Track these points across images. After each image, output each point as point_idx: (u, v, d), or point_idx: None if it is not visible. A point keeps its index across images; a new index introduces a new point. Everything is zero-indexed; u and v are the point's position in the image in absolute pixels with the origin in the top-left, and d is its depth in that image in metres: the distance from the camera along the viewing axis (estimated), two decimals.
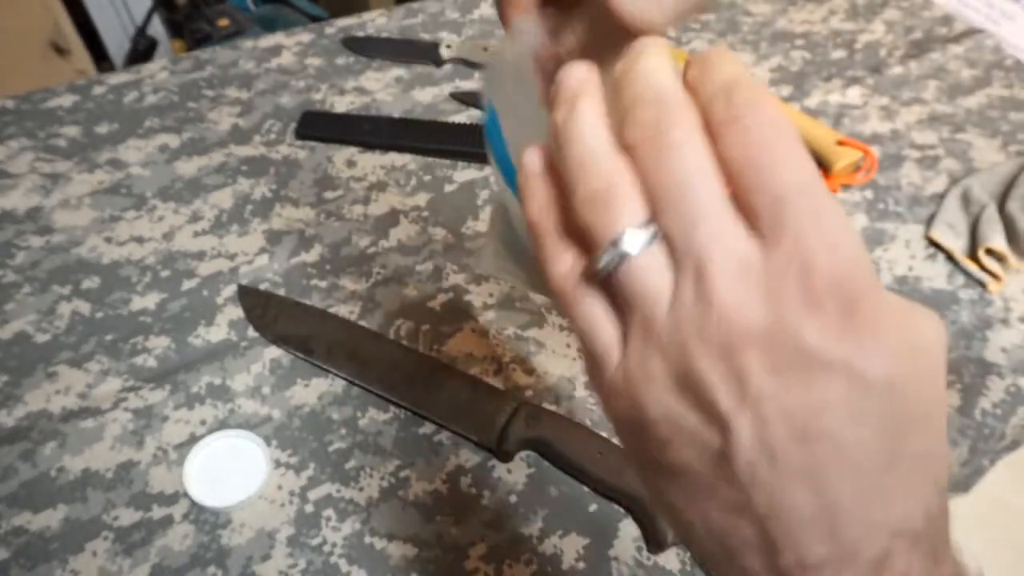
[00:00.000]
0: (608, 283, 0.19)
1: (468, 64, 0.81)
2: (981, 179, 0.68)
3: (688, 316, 0.18)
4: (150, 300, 0.56)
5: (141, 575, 0.42)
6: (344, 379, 0.51)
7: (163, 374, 0.51)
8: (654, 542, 0.45)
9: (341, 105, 0.74)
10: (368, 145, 0.70)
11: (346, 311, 0.56)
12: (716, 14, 0.91)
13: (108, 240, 0.60)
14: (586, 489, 0.47)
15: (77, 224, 0.61)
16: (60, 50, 1.30)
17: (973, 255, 0.62)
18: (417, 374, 0.51)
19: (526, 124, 0.24)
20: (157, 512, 0.45)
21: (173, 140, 0.69)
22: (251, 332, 0.54)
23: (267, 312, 0.55)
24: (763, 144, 0.17)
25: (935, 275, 0.62)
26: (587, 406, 0.51)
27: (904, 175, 0.70)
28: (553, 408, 0.50)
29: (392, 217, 0.64)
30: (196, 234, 0.61)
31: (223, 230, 0.61)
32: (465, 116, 0.74)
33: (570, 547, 0.45)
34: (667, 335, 0.18)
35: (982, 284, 0.61)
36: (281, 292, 0.57)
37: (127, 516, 0.45)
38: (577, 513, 0.46)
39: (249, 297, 0.56)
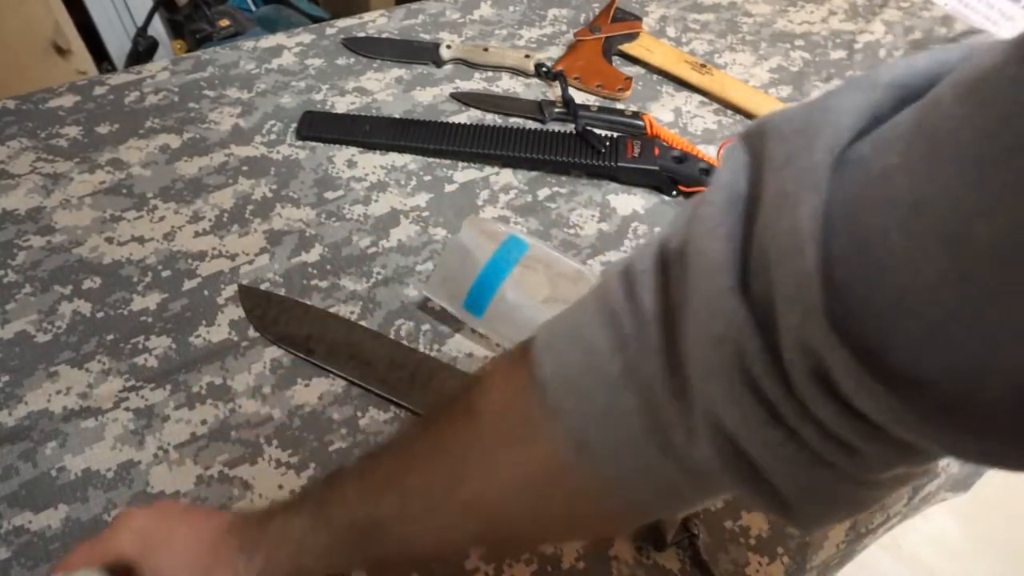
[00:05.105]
0: None
1: (468, 65, 0.81)
2: None
3: None
4: (151, 300, 0.56)
5: None
6: (345, 379, 0.52)
7: (164, 374, 0.51)
8: (654, 542, 0.45)
9: (341, 105, 0.75)
10: (368, 145, 0.70)
11: (346, 311, 0.56)
12: (716, 14, 0.92)
13: (109, 240, 0.60)
14: None
15: (78, 224, 0.61)
16: (61, 50, 1.30)
17: None
18: (417, 374, 0.51)
19: None
20: None
21: (174, 140, 0.69)
22: (252, 332, 0.54)
23: (268, 312, 0.55)
24: None
25: None
26: None
27: None
28: None
29: (392, 217, 0.64)
30: (197, 234, 0.61)
31: (224, 230, 0.62)
32: (465, 116, 0.74)
33: (570, 547, 0.45)
34: None
35: None
36: (282, 292, 0.57)
37: None
38: None
39: (250, 297, 0.56)
